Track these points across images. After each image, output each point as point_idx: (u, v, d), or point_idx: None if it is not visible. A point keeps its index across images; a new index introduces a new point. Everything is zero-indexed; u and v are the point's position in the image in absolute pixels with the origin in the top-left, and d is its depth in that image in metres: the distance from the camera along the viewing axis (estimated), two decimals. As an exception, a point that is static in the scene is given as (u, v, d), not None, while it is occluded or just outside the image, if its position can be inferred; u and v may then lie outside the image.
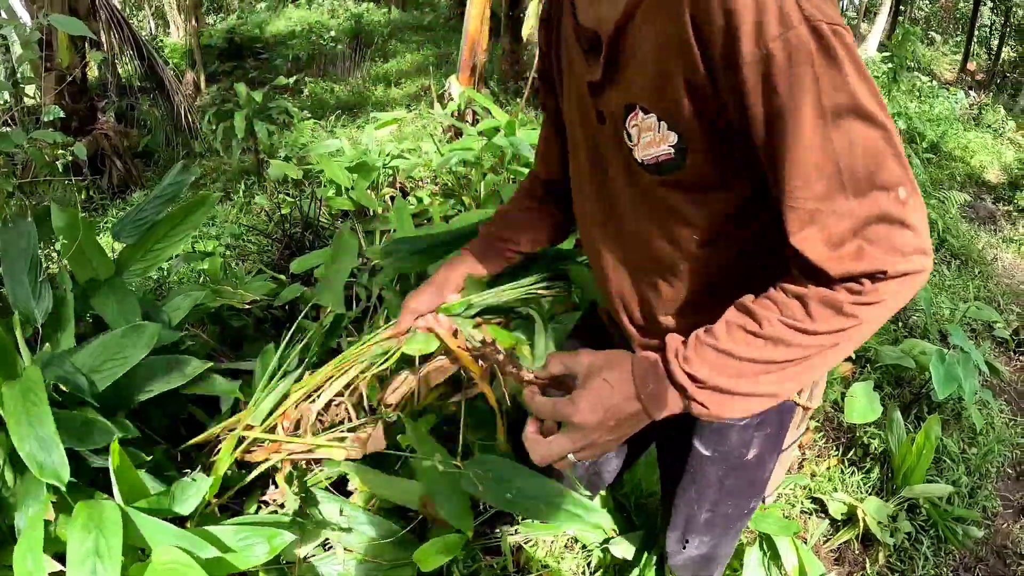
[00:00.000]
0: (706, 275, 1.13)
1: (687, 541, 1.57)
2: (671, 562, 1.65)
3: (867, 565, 2.53)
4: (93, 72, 9.23)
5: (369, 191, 2.80)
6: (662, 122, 0.99)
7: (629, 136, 1.07)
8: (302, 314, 2.13)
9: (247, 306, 2.43)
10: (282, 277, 2.83)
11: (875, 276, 0.88)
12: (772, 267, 1.03)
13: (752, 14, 0.82)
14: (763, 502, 1.54)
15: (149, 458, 1.65)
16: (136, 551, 1.42)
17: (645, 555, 2.11)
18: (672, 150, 1.00)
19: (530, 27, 7.76)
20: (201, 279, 3.33)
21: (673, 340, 1.01)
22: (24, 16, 7.03)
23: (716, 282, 1.13)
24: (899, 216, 0.87)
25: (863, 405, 2.71)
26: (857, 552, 2.62)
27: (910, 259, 0.88)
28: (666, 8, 0.92)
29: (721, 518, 1.52)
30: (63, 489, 1.35)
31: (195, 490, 1.52)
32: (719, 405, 0.97)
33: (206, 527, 1.43)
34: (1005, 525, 2.95)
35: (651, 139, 1.02)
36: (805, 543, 2.42)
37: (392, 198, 4.06)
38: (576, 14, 1.12)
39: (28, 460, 1.33)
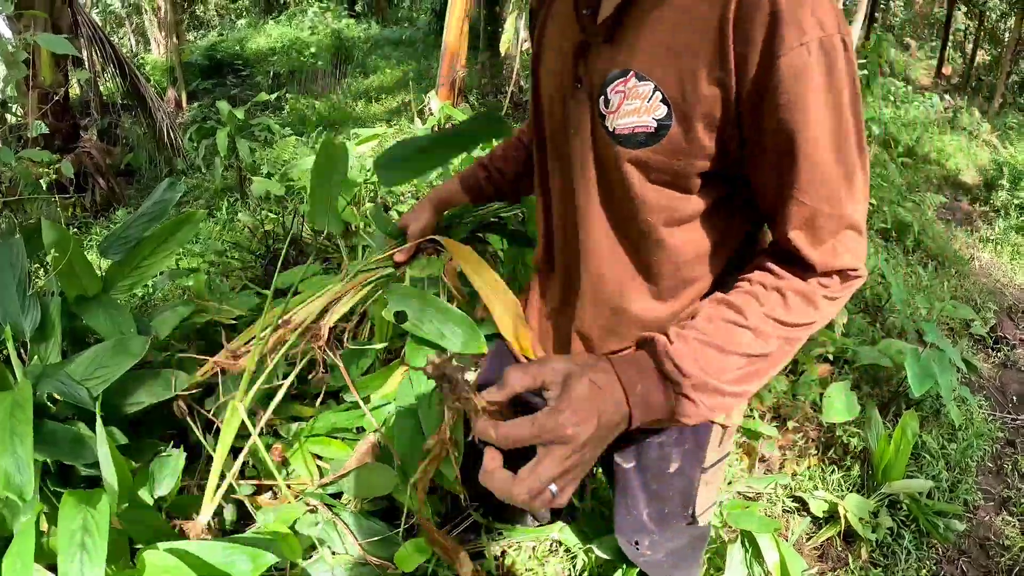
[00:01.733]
0: (654, 262, 1.13)
1: (636, 542, 1.56)
2: (637, 563, 1.64)
3: (850, 561, 2.57)
4: (75, 90, 9.22)
5: (350, 206, 2.83)
6: (658, 92, 0.97)
7: (607, 102, 1.03)
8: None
9: (232, 321, 2.45)
10: (266, 292, 2.85)
11: (845, 273, 0.99)
12: (720, 263, 1.13)
13: (796, 15, 0.86)
14: (696, 520, 1.53)
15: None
16: (127, 557, 1.45)
17: (629, 556, 2.14)
18: (655, 124, 0.98)
19: (508, 41, 7.83)
20: (186, 296, 3.34)
21: (658, 337, 0.97)
22: (5, 32, 7.03)
23: (660, 272, 1.13)
24: (861, 228, 0.99)
25: (840, 405, 2.75)
26: (840, 549, 2.65)
27: (864, 266, 1.01)
28: None
29: (660, 518, 1.49)
30: (20, 505, 1.39)
31: (171, 468, 1.57)
32: (705, 403, 0.95)
33: (190, 542, 1.47)
34: (987, 518, 3.01)
35: (635, 107, 0.99)
36: (786, 540, 2.46)
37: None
38: None
39: (-2, 472, 1.38)
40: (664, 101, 0.96)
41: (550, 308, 1.37)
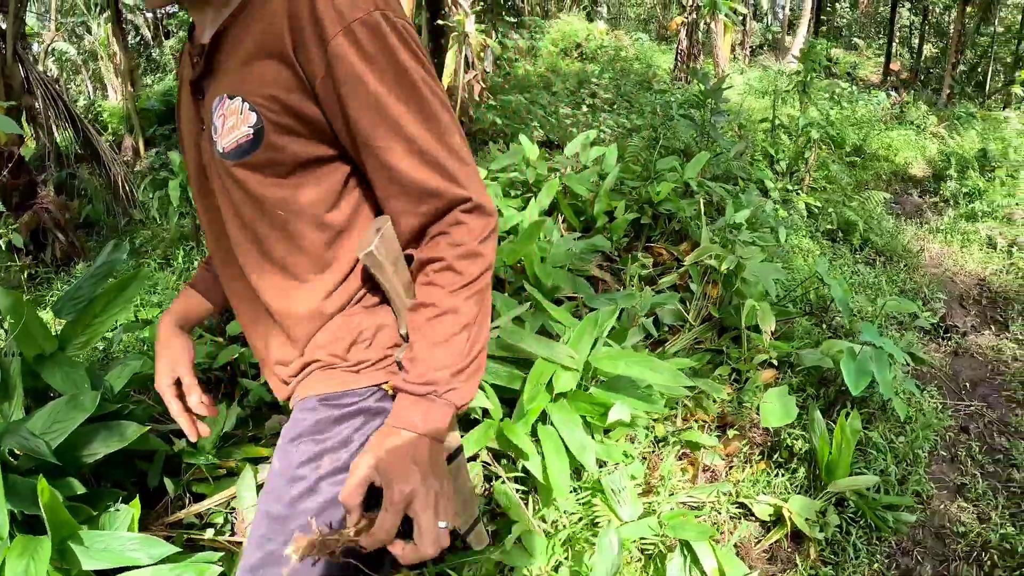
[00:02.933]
0: (292, 259, 1.19)
1: None
2: None
3: (798, 561, 2.61)
4: (30, 146, 9.22)
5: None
6: (245, 103, 1.09)
7: (215, 128, 1.14)
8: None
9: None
10: (220, 340, 2.92)
11: (470, 206, 1.09)
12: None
13: (331, 6, 1.02)
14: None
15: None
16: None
17: None
18: (251, 131, 1.09)
19: (449, 75, 8.00)
20: (145, 346, 3.40)
21: (397, 377, 1.11)
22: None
23: (303, 263, 1.19)
24: (461, 154, 1.11)
25: (778, 408, 2.82)
26: (788, 550, 2.69)
27: (484, 192, 1.12)
28: (264, 10, 1.08)
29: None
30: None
31: (121, 523, 1.66)
32: (464, 384, 1.09)
33: (139, 569, 1.56)
34: (942, 506, 3.07)
35: (233, 123, 1.10)
36: (719, 544, 2.47)
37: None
38: (192, 40, 1.24)
39: (-28, 519, 1.49)
40: (252, 109, 1.09)
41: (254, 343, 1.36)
